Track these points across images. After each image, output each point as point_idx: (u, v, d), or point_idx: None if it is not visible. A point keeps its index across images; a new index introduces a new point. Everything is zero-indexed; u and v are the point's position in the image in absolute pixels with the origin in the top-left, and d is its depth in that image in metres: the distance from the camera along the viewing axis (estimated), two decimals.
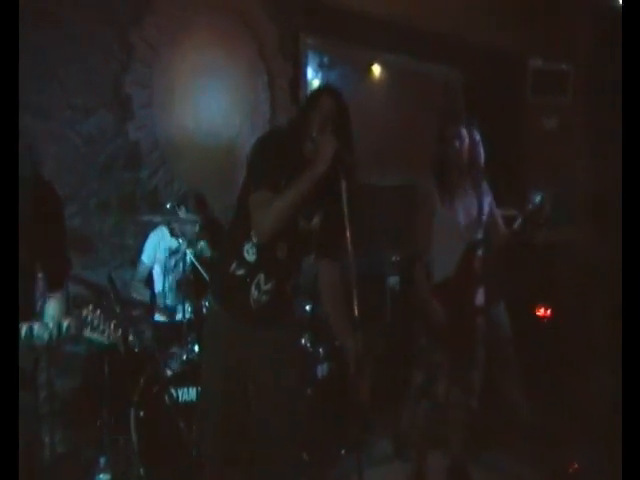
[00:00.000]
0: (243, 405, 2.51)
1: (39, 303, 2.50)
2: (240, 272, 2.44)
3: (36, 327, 2.19)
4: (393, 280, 5.19)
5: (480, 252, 3.46)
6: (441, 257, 3.41)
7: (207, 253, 4.12)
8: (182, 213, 4.06)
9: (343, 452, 4.01)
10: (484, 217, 3.47)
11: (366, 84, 5.92)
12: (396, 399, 4.02)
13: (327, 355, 4.10)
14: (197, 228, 3.96)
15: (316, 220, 2.47)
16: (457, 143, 3.38)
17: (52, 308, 2.41)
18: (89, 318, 2.18)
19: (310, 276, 2.83)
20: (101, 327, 2.20)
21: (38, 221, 2.32)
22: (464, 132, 3.40)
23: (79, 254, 3.69)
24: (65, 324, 2.19)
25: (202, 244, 4.10)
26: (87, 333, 2.20)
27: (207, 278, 3.82)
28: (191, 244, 3.92)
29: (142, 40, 4.48)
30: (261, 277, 2.43)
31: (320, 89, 2.68)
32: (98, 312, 2.20)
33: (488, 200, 3.51)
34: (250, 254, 2.42)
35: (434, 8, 5.78)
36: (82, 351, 3.85)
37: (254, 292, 2.44)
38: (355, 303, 2.29)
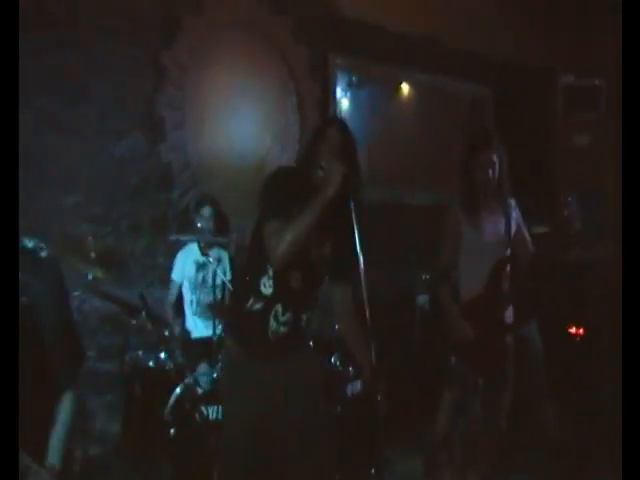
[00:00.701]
0: (267, 439, 2.49)
1: None
2: (257, 306, 2.46)
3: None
4: (423, 299, 5.16)
5: (508, 270, 3.44)
6: (469, 276, 3.40)
7: (227, 275, 4.18)
8: (202, 222, 4.13)
9: (373, 471, 3.98)
10: (512, 235, 3.45)
11: (395, 103, 5.94)
12: (427, 418, 3.99)
13: (357, 373, 4.08)
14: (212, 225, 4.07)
15: (327, 246, 2.51)
16: (489, 171, 3.35)
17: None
18: None
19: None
20: None
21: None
22: (495, 158, 3.37)
23: (112, 274, 3.75)
24: None
25: (224, 254, 4.17)
26: None
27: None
28: (220, 262, 3.97)
29: (173, 62, 4.57)
30: (278, 308, 2.45)
31: (327, 121, 2.77)
32: None
33: (515, 217, 3.49)
34: (267, 287, 2.45)
35: (462, 25, 5.80)
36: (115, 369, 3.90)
37: (272, 324, 2.46)
38: (369, 323, 2.35)
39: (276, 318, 2.46)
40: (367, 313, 2.42)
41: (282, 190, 2.43)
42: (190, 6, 4.64)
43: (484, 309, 3.35)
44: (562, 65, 6.34)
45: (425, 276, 5.21)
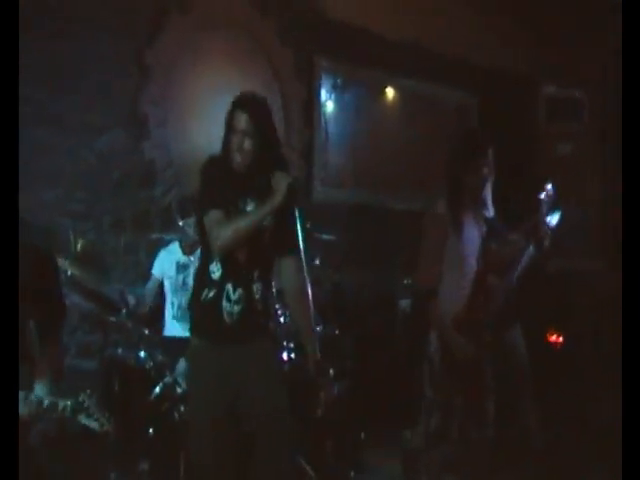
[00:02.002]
0: (233, 426, 2.56)
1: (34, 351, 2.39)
2: (211, 294, 2.54)
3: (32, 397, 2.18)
4: (404, 303, 5.15)
5: (490, 280, 3.38)
6: (450, 288, 3.22)
7: None
8: (189, 230, 4.06)
9: (352, 474, 3.97)
10: (493, 245, 3.39)
11: (379, 106, 5.95)
12: (406, 419, 3.97)
13: (339, 375, 4.07)
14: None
15: (269, 219, 2.57)
16: (479, 176, 3.26)
17: (44, 385, 2.30)
18: (85, 404, 2.18)
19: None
20: (95, 415, 2.19)
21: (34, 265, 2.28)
22: (485, 164, 3.30)
23: (93, 270, 3.70)
24: (61, 405, 2.18)
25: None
26: (82, 419, 2.19)
27: None
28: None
29: (157, 61, 4.54)
30: (229, 288, 2.53)
31: (232, 105, 2.69)
32: (94, 399, 2.20)
33: (494, 226, 3.42)
34: (216, 271, 2.54)
35: (448, 32, 5.84)
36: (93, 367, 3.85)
37: (225, 305, 2.53)
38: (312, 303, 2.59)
39: (228, 298, 2.52)
40: (310, 297, 2.63)
41: (213, 179, 2.56)
42: (176, 5, 4.61)
43: (471, 323, 3.27)
44: (546, 75, 6.40)
45: (407, 280, 5.21)
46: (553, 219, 3.35)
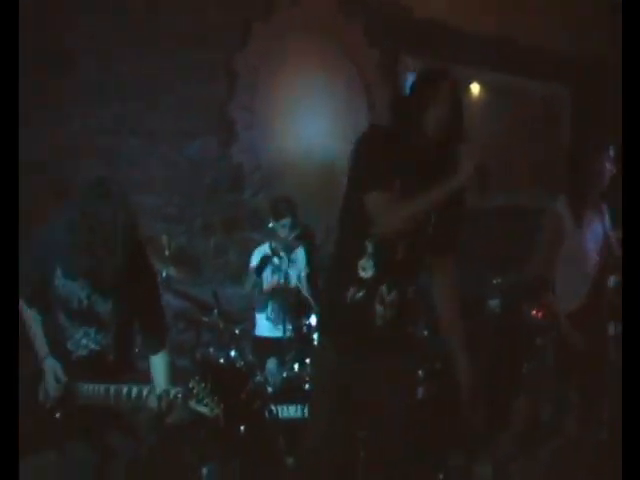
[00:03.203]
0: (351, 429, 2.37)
1: (137, 362, 2.54)
2: (360, 294, 2.22)
3: (145, 391, 2.28)
4: (493, 303, 5.05)
5: (612, 279, 3.30)
6: (569, 285, 3.23)
7: (305, 271, 4.18)
8: (282, 231, 4.12)
9: (441, 477, 3.92)
10: (611, 241, 3.30)
11: (466, 103, 5.83)
12: (498, 427, 3.89)
13: (427, 376, 4.02)
14: (291, 235, 4.00)
15: (433, 217, 2.25)
16: (602, 173, 3.19)
17: (159, 373, 2.39)
18: (195, 390, 2.22)
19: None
20: (205, 400, 2.22)
21: (134, 279, 2.31)
22: (610, 160, 3.21)
23: (185, 271, 3.82)
24: (173, 392, 2.25)
25: (300, 256, 4.15)
26: (192, 404, 2.23)
27: (310, 299, 3.88)
28: (292, 262, 3.99)
29: (245, 65, 4.63)
30: (383, 290, 2.22)
31: (438, 73, 2.26)
32: (203, 385, 2.23)
33: (608, 224, 3.34)
34: (367, 269, 2.21)
35: (534, 24, 5.66)
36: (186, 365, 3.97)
37: (379, 309, 2.23)
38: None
39: (382, 301, 2.23)
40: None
41: (380, 155, 2.15)
42: (261, 11, 4.69)
43: (589, 321, 3.20)
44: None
45: (496, 280, 5.10)
46: None
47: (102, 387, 2.31)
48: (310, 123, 4.94)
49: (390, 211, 2.09)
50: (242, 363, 3.75)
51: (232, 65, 4.56)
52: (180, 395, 2.23)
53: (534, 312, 4.57)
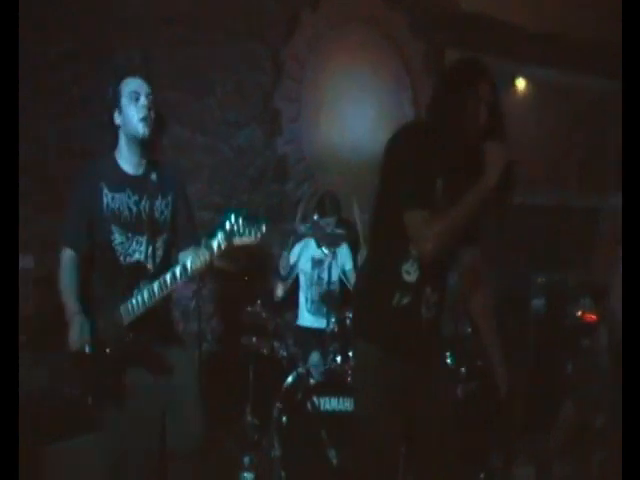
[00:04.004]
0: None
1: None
2: (406, 300, 2.16)
3: (189, 261, 2.30)
4: (538, 302, 4.96)
5: None
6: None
7: (349, 264, 4.15)
8: (327, 226, 4.08)
9: (482, 476, 3.86)
10: None
11: (510, 98, 5.77)
12: (541, 428, 3.82)
13: (470, 375, 3.96)
14: (336, 231, 3.96)
15: None
16: None
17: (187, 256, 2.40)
18: (235, 227, 2.23)
19: None
20: (247, 231, 2.23)
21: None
22: None
23: (230, 261, 3.81)
24: (214, 243, 2.25)
25: (344, 252, 4.12)
26: (237, 240, 2.24)
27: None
28: (337, 256, 3.96)
29: (292, 57, 4.63)
30: (427, 291, 2.18)
31: (477, 71, 2.11)
32: (240, 220, 2.23)
33: None
34: (412, 273, 2.14)
35: (585, 16, 5.55)
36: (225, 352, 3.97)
37: (425, 313, 2.18)
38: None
39: (427, 303, 2.18)
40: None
41: (415, 160, 2.05)
42: (307, 3, 4.69)
43: None
44: None
45: (541, 279, 5.02)
46: None
47: (145, 291, 2.36)
48: (355, 116, 4.91)
49: (428, 231, 2.01)
50: (284, 354, 3.73)
51: (278, 56, 4.56)
52: (222, 238, 2.23)
53: (579, 313, 4.49)
